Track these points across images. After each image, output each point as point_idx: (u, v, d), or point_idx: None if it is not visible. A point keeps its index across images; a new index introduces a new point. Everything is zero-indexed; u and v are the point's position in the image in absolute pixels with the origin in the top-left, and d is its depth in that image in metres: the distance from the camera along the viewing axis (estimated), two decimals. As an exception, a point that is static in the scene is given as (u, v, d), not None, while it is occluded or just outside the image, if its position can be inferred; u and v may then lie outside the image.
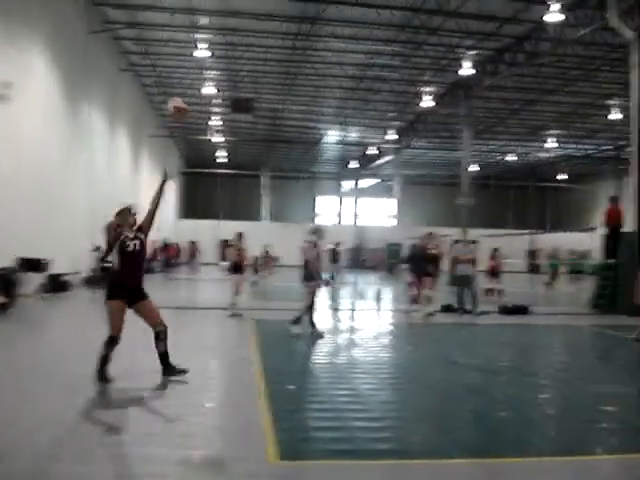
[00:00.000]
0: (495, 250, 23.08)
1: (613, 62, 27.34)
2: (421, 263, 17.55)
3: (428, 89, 32.22)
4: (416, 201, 60.55)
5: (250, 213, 56.72)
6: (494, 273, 22.71)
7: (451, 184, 50.84)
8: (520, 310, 18.11)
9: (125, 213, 8.06)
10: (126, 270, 7.94)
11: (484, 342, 13.36)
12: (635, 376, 9.95)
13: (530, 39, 24.99)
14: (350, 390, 8.07)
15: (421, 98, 32.57)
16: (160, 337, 8.12)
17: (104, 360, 7.77)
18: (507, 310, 17.98)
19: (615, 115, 34.93)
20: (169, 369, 8.17)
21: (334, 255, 30.40)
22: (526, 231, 54.19)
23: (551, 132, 42.99)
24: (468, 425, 6.79)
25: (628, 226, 19.44)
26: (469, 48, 26.20)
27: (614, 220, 20.03)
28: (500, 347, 12.49)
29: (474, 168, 48.17)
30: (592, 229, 46.68)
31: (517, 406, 7.52)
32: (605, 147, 48.02)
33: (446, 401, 7.80)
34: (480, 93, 32.14)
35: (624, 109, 32.15)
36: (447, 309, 17.69)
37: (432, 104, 32.88)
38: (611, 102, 34.02)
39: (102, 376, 7.71)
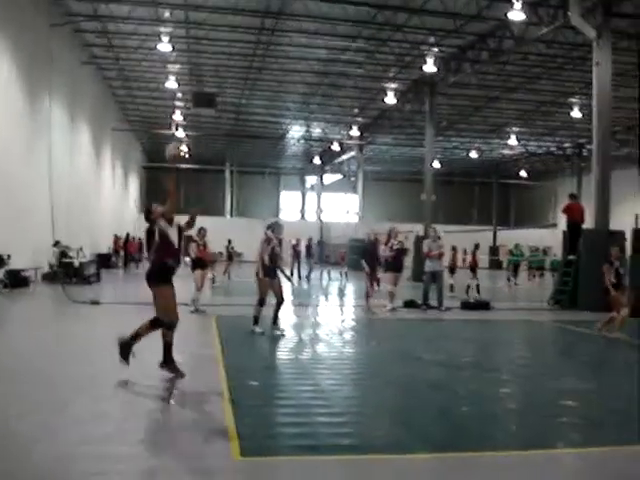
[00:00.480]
0: (476, 246, 23.41)
1: (575, 60, 27.66)
2: (373, 258, 17.62)
3: (392, 86, 32.32)
4: (380, 197, 60.70)
5: (214, 208, 56.40)
6: (473, 269, 23.06)
7: (414, 180, 51.06)
8: (482, 306, 18.28)
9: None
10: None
11: (447, 337, 13.40)
12: (596, 371, 10.05)
13: (493, 37, 25.17)
14: (313, 386, 8.04)
15: (385, 94, 32.63)
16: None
17: (167, 348, 8.00)
18: (469, 306, 18.14)
19: (576, 113, 35.34)
20: (168, 363, 8.09)
21: (308, 250, 30.32)
22: (489, 227, 54.69)
23: (514, 129, 43.39)
24: (431, 420, 6.78)
25: (588, 223, 19.68)
26: (433, 45, 26.32)
27: (575, 217, 20.27)
28: (463, 342, 12.55)
29: (438, 165, 48.50)
30: (553, 225, 47.37)
31: (479, 401, 7.55)
32: (566, 145, 48.65)
33: (409, 396, 7.81)
34: (444, 90, 32.32)
35: (585, 107, 32.57)
36: (410, 304, 17.75)
37: (396, 101, 32.96)
38: (572, 100, 34.44)
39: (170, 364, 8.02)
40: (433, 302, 17.40)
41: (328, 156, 52.47)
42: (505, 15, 21.37)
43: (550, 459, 5.57)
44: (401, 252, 17.60)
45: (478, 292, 22.14)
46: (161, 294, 7.92)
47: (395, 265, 17.38)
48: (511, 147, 49.16)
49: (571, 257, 19.70)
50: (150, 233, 8.20)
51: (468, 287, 22.51)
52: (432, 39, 25.79)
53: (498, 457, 5.53)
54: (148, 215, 8.16)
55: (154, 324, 7.96)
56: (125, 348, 7.88)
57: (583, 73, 27.92)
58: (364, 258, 17.54)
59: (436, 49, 26.65)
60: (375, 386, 8.31)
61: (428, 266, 17.70)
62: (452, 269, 23.06)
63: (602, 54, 18.82)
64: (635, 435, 6.19)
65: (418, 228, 31.54)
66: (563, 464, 5.54)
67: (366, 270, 17.15)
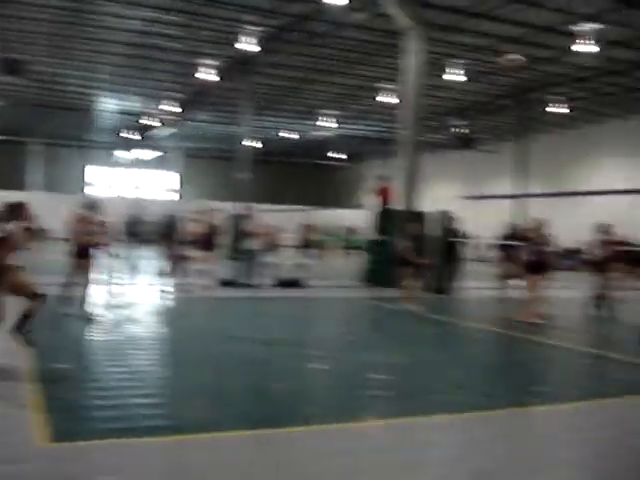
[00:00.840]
0: (308, 225, 23.74)
1: (389, 47, 28.57)
2: (171, 235, 17.53)
3: (210, 62, 31.93)
4: (199, 175, 60.09)
5: (15, 182, 53.22)
6: (305, 247, 23.40)
7: (232, 158, 50.99)
8: (296, 283, 18.62)
9: None
10: None
11: (263, 315, 13.56)
12: (405, 345, 10.56)
13: (311, 19, 25.49)
14: (127, 367, 7.88)
15: (204, 70, 32.20)
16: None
17: None
18: (284, 283, 18.41)
19: (388, 98, 36.58)
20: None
21: (127, 228, 28.93)
22: (304, 207, 55.67)
23: (329, 112, 44.27)
24: (246, 397, 6.86)
25: (397, 204, 20.52)
26: (251, 23, 26.24)
27: (385, 198, 21.10)
28: (278, 320, 12.75)
29: (256, 144, 48.62)
30: (363, 206, 48.89)
31: (294, 377, 7.73)
32: (378, 128, 50.34)
33: (224, 375, 7.84)
34: (262, 69, 32.38)
35: (397, 93, 33.80)
36: (227, 283, 17.78)
37: (214, 77, 32.64)
38: (385, 85, 35.58)
39: None
40: (249, 280, 17.52)
41: (145, 131, 51.13)
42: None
43: (361, 431, 5.80)
44: (214, 231, 17.51)
45: (303, 272, 22.26)
46: None
47: (209, 244, 17.30)
48: (326, 129, 50.19)
49: (380, 237, 20.49)
50: None
51: (295, 266, 22.66)
52: (249, 17, 25.71)
53: (311, 431, 5.68)
54: None
55: None
56: None
57: (396, 60, 28.93)
58: (165, 234, 17.35)
59: (254, 28, 26.60)
60: (190, 365, 8.26)
61: (245, 245, 17.80)
62: (272, 248, 23.22)
63: (414, 43, 19.63)
64: (439, 405, 6.58)
65: (233, 206, 31.55)
66: (372, 435, 5.78)
67: (173, 249, 16.97)
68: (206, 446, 5.24)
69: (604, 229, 14.26)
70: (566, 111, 36.63)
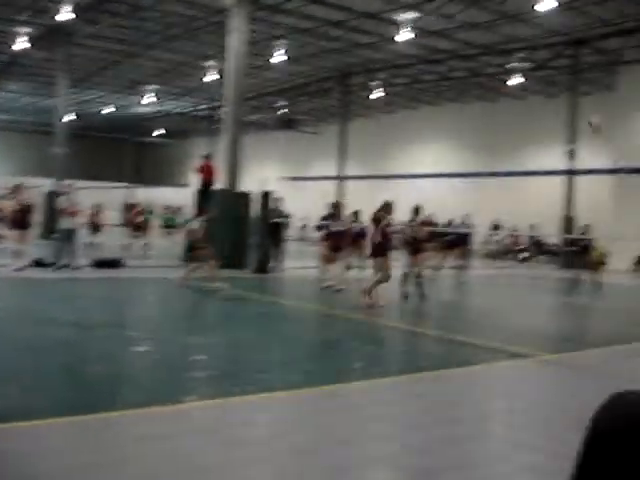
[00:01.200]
0: (131, 204, 22.96)
1: (214, 24, 28.28)
2: None
3: (24, 30, 30.17)
4: (5, 149, 56.87)
5: None
6: (96, 227, 22.56)
7: (46, 132, 48.58)
8: (114, 263, 18.08)
9: None
10: None
11: (79, 297, 13.06)
12: (226, 325, 10.56)
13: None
14: None
15: (17, 39, 30.36)
16: None
17: None
18: (102, 264, 17.79)
19: (212, 76, 36.26)
20: None
21: None
22: (124, 184, 54.17)
23: (151, 87, 43.24)
24: (63, 383, 6.58)
25: (220, 183, 20.42)
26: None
27: (206, 176, 20.92)
28: (96, 301, 12.34)
29: (74, 118, 46.64)
30: (185, 185, 48.32)
31: (112, 360, 7.50)
32: (201, 106, 49.81)
33: (39, 359, 7.45)
34: (81, 41, 31.04)
35: (220, 71, 33.57)
36: (41, 264, 16.93)
37: (28, 46, 30.89)
38: (209, 63, 35.23)
39: None
40: (65, 261, 16.79)
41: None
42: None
43: (182, 413, 5.72)
44: (27, 209, 16.64)
45: (124, 252, 21.66)
46: None
47: (22, 222, 16.40)
48: (147, 105, 49.02)
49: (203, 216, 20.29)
50: None
51: (116, 246, 22.03)
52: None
53: (131, 415, 5.52)
54: None
55: None
56: None
57: (220, 38, 28.69)
58: None
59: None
60: (1, 351, 7.81)
61: (62, 223, 16.92)
62: (95, 227, 22.50)
63: (238, 21, 19.51)
64: (260, 384, 6.62)
65: (49, 183, 30.15)
66: (193, 416, 5.72)
67: None
68: (24, 434, 4.95)
69: (415, 210, 14.87)
70: (383, 95, 37.95)
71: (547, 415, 6.22)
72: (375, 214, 13.16)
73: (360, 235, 18.15)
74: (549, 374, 8.15)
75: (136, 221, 24.34)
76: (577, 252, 20.16)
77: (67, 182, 17.98)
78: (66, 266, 16.63)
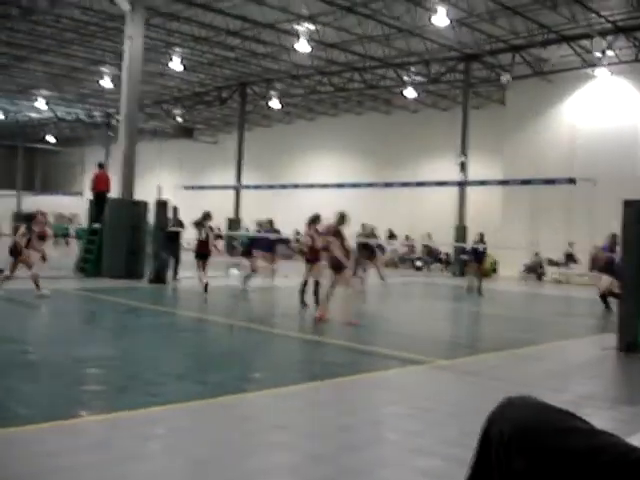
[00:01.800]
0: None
1: (109, 30, 27.74)
2: None
3: None
4: None
5: None
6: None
7: None
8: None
9: None
10: None
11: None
12: (120, 338, 10.33)
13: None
14: None
15: None
16: None
17: None
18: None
19: (107, 82, 35.55)
20: None
21: None
22: (13, 192, 52.37)
23: (42, 92, 42.01)
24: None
25: (114, 192, 20.04)
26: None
27: (101, 185, 20.50)
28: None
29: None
30: (79, 193, 47.20)
31: (3, 374, 7.22)
32: (96, 113, 48.73)
33: None
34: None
35: (116, 78, 32.95)
36: None
37: None
38: (104, 69, 34.54)
39: None
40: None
41: None
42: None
43: (75, 428, 5.55)
44: None
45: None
46: None
47: None
48: (39, 110, 47.59)
49: (96, 226, 19.87)
50: None
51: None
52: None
53: (19, 432, 5.31)
54: None
55: None
56: None
57: (115, 44, 28.18)
58: None
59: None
60: None
61: None
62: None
63: (135, 28, 19.19)
64: (155, 396, 6.51)
65: None
66: (86, 432, 5.57)
67: None
68: None
69: (314, 220, 14.85)
70: (281, 106, 38.22)
71: (442, 420, 6.38)
72: (333, 227, 12.74)
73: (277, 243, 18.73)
74: (443, 380, 8.35)
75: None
76: (469, 260, 20.79)
77: None
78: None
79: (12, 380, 7.07)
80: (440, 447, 5.47)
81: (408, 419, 6.36)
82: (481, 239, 19.75)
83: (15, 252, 13.79)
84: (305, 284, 14.45)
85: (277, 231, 19.54)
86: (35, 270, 13.76)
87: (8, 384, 6.87)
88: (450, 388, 7.91)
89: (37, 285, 13.68)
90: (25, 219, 14.30)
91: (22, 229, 14.09)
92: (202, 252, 16.40)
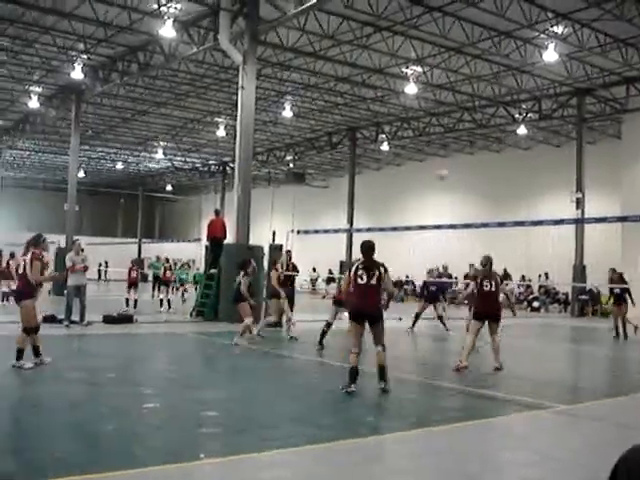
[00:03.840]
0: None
1: (222, 82, 28.77)
2: None
3: (37, 89, 30.76)
4: (19, 206, 57.41)
5: None
6: (134, 284, 22.58)
7: (58, 189, 49.11)
8: (126, 319, 18.07)
9: None
10: None
11: (91, 353, 13.06)
12: (235, 380, 10.50)
13: (144, 50, 25.19)
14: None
15: (29, 98, 30.96)
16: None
17: None
18: (112, 320, 17.76)
19: (221, 132, 36.73)
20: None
21: None
22: (134, 240, 54.49)
23: (161, 143, 43.80)
24: (69, 442, 6.50)
25: (230, 237, 20.54)
26: (82, 52, 25.56)
27: (217, 231, 21.06)
28: (107, 358, 12.30)
29: (83, 174, 47.22)
30: (197, 240, 48.62)
31: (121, 418, 7.44)
32: (211, 162, 50.35)
33: (47, 418, 7.40)
34: (91, 99, 31.60)
35: (229, 127, 34.01)
36: (51, 319, 16.94)
37: (39, 105, 31.48)
38: (218, 119, 35.73)
39: None
40: (75, 317, 16.79)
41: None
42: (157, 31, 21.48)
43: (187, 472, 5.67)
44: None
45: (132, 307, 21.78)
46: None
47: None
48: (158, 161, 49.61)
49: (212, 270, 20.40)
50: None
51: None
52: (81, 46, 25.02)
53: (142, 474, 5.48)
54: None
55: None
56: None
57: (229, 94, 29.16)
58: None
59: (85, 56, 25.92)
60: (8, 410, 7.78)
61: (72, 280, 16.88)
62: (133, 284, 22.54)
63: (247, 78, 19.81)
64: (272, 440, 6.57)
65: (62, 239, 30.41)
66: (200, 476, 5.67)
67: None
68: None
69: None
70: (390, 148, 38.44)
71: (565, 467, 6.15)
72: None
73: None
74: (565, 425, 8.06)
75: (166, 277, 24.56)
76: (588, 300, 20.04)
77: (75, 238, 17.86)
78: (76, 322, 16.64)
79: (133, 422, 7.30)
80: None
81: (530, 467, 6.17)
82: (621, 278, 18.86)
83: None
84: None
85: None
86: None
87: (133, 427, 7.10)
88: (572, 434, 7.62)
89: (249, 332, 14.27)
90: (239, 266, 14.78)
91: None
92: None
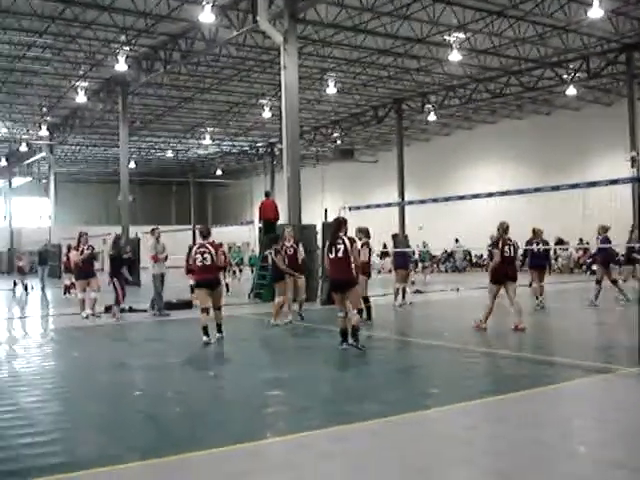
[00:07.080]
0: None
1: (264, 63, 28.77)
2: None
3: (83, 84, 31.20)
4: (75, 200, 58.49)
5: None
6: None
7: (111, 181, 49.88)
8: (185, 305, 18.21)
9: None
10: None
11: (152, 339, 13.29)
12: (293, 360, 10.58)
13: (185, 38, 25.33)
14: (12, 406, 7.48)
15: (76, 93, 31.44)
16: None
17: None
18: (171, 306, 17.85)
19: (266, 114, 36.77)
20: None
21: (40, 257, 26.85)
22: (188, 226, 55.05)
23: (208, 129, 44.08)
24: (141, 427, 6.65)
25: (282, 218, 20.60)
26: (124, 44, 25.83)
27: (269, 213, 21.13)
28: (168, 344, 12.50)
29: (133, 165, 47.84)
30: (250, 222, 48.94)
31: (189, 401, 7.57)
32: (259, 144, 50.49)
33: (116, 405, 7.58)
34: (137, 89, 31.95)
35: (274, 108, 34.02)
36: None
37: (87, 99, 31.93)
38: (263, 101, 35.78)
39: None
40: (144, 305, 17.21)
41: (16, 158, 49.32)
42: (196, 17, 21.57)
43: (259, 450, 5.74)
44: (91, 257, 16.94)
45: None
46: None
47: (87, 271, 16.71)
48: (206, 147, 49.95)
49: (267, 252, 20.46)
50: None
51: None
52: (123, 37, 25.29)
53: (210, 455, 5.56)
54: None
55: None
56: None
57: (272, 75, 29.14)
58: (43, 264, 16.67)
59: (127, 48, 26.19)
60: (80, 398, 7.96)
61: (156, 269, 16.91)
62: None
63: (289, 58, 19.75)
64: (337, 416, 6.61)
65: (117, 230, 30.91)
66: (269, 455, 5.74)
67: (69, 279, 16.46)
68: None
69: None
70: (437, 118, 37.96)
71: (633, 431, 6.05)
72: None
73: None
74: (631, 389, 7.92)
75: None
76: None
77: (155, 226, 17.79)
78: (144, 309, 17.06)
79: (203, 405, 7.41)
80: (635, 459, 5.20)
81: (596, 431, 6.09)
82: None
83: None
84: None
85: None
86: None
87: (200, 408, 7.21)
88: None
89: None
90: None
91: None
92: None
